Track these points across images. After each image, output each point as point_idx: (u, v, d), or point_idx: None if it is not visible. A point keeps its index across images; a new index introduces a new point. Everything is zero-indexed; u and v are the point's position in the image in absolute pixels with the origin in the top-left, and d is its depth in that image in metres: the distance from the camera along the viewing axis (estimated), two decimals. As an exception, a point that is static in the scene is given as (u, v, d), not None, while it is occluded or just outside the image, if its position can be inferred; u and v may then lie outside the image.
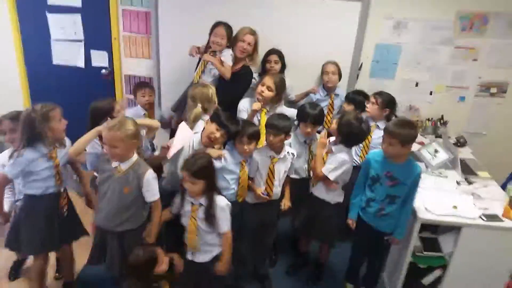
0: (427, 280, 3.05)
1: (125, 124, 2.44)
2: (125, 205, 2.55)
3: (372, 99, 3.35)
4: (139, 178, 2.52)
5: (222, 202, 2.58)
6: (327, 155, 2.94)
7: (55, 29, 4.19)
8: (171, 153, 2.76)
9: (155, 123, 3.00)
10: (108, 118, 2.83)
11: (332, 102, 3.78)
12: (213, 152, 2.74)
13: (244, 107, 3.39)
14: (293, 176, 3.14)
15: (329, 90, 3.79)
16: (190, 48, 3.62)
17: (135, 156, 2.55)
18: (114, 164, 2.53)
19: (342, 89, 3.88)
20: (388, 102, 3.34)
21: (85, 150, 2.70)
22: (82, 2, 4.07)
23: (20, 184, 2.66)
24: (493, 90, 4.04)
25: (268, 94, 3.25)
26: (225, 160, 2.82)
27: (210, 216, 2.54)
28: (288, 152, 2.96)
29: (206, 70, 3.55)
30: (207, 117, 2.97)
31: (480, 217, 2.82)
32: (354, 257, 3.17)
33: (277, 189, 2.97)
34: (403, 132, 2.54)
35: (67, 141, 2.76)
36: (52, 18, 4.15)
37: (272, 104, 3.33)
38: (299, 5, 3.83)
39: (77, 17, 4.12)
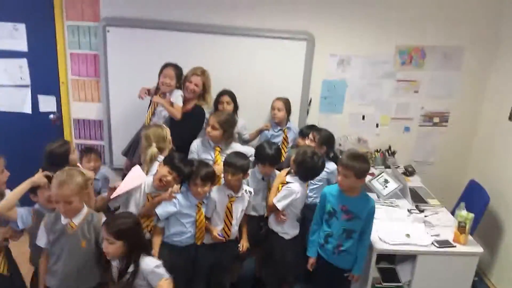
0: (388, 310, 3.07)
1: (74, 176, 2.30)
2: (85, 261, 2.37)
3: (311, 136, 3.43)
4: (96, 227, 2.37)
5: (150, 264, 2.30)
6: (281, 186, 2.99)
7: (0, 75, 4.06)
8: (115, 193, 2.70)
9: (90, 173, 2.73)
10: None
11: (286, 136, 3.84)
12: (163, 196, 2.72)
13: (195, 148, 3.38)
14: (252, 213, 3.13)
15: (280, 125, 3.84)
16: (140, 91, 3.61)
17: (85, 207, 2.40)
18: (64, 221, 2.34)
19: (294, 123, 3.97)
20: (325, 140, 3.41)
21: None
22: (28, 47, 3.98)
23: None
24: (436, 119, 4.25)
25: (214, 133, 3.26)
26: (179, 204, 2.76)
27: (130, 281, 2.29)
28: (246, 191, 2.96)
29: (157, 112, 3.56)
30: (162, 158, 2.94)
31: (433, 243, 2.90)
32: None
33: (234, 229, 2.95)
34: (357, 165, 2.60)
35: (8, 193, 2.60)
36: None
37: (223, 142, 3.34)
38: (248, 45, 3.94)
39: (23, 62, 4.03)
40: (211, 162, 3.19)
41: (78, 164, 3.10)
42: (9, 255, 2.68)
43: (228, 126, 3.30)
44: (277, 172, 3.19)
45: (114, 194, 2.71)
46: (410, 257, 2.96)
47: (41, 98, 4.11)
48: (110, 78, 4.01)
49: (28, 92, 4.10)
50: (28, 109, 4.13)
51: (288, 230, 3.03)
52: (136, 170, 2.88)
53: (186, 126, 3.51)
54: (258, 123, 3.98)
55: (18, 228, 2.56)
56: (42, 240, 2.39)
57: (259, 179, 3.16)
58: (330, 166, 3.32)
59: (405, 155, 4.26)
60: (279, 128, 3.85)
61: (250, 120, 3.92)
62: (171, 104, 3.49)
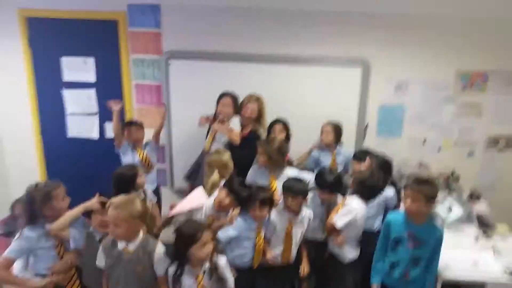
0: None
1: (132, 203, 2.35)
2: (142, 285, 2.41)
3: (367, 161, 3.38)
4: (150, 255, 2.40)
5: (223, 261, 2.48)
6: (342, 207, 2.97)
7: (71, 104, 4.37)
8: (175, 210, 2.76)
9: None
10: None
11: (334, 158, 3.79)
12: (225, 220, 2.77)
13: (251, 176, 3.41)
14: (310, 237, 3.10)
15: (328, 147, 3.80)
16: (200, 118, 3.74)
17: (141, 234, 2.43)
18: (120, 245, 2.39)
19: (346, 147, 3.89)
20: (382, 164, 3.31)
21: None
22: (97, 78, 4.28)
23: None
24: (502, 143, 4.11)
25: (261, 160, 3.30)
26: (239, 228, 2.78)
27: (219, 279, 2.42)
28: (305, 215, 2.94)
29: (217, 138, 3.67)
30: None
31: (504, 273, 2.76)
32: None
33: (293, 252, 2.94)
34: (425, 188, 2.51)
35: None
36: (68, 93, 4.35)
37: (276, 168, 3.33)
38: (303, 73, 4.03)
39: (92, 92, 4.32)
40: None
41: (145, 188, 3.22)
42: (80, 275, 2.77)
43: (276, 154, 3.28)
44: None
45: (174, 211, 2.78)
46: (476, 286, 2.81)
47: (108, 125, 4.36)
48: (172, 106, 4.20)
49: (96, 119, 4.36)
50: (95, 135, 4.39)
51: (347, 253, 2.97)
52: (199, 191, 2.95)
53: (243, 151, 3.56)
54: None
55: (69, 248, 2.68)
56: (101, 262, 2.45)
57: (317, 204, 3.13)
58: (388, 191, 3.24)
59: (469, 181, 4.07)
60: (327, 150, 3.81)
61: (304, 148, 3.91)
62: (231, 130, 3.62)
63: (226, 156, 3.22)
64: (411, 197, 2.55)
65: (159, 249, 2.43)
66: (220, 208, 2.82)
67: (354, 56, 3.97)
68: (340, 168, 3.80)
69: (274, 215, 2.89)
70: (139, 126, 3.74)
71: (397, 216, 2.72)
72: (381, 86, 4.05)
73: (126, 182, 2.93)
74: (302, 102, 4.06)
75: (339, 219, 2.89)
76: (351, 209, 2.89)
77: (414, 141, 4.17)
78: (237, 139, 3.60)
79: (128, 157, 3.67)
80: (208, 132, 3.76)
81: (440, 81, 4.01)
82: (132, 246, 2.38)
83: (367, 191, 2.95)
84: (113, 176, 2.98)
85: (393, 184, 3.37)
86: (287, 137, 3.77)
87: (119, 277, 2.40)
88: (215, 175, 3.08)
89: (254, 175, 3.39)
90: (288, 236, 2.89)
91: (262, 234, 2.85)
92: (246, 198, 2.79)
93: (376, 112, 4.12)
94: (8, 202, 3.35)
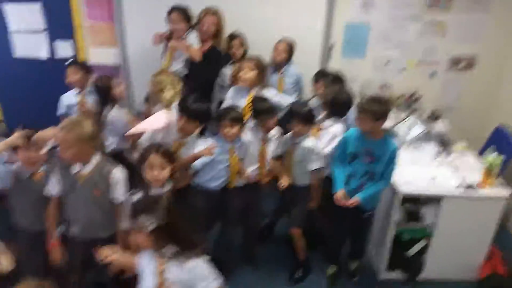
0: (412, 251, 3.08)
1: (79, 125, 2.20)
2: (103, 209, 2.33)
3: (320, 81, 3.38)
4: (106, 178, 2.30)
5: None
6: (318, 132, 2.96)
7: (14, 20, 3.99)
8: (133, 129, 2.70)
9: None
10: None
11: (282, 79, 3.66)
12: (203, 151, 2.66)
13: (230, 95, 3.30)
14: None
15: (277, 67, 3.66)
16: (154, 38, 3.54)
17: (97, 157, 2.30)
18: (73, 170, 2.27)
19: (296, 66, 3.72)
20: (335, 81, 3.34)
21: None
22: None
23: None
24: (463, 64, 4.10)
25: (250, 74, 3.15)
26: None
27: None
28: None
29: (176, 56, 3.50)
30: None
31: (459, 186, 2.86)
32: (336, 237, 3.13)
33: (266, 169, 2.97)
34: (374, 108, 2.55)
35: None
36: (11, 9, 3.95)
37: (258, 86, 3.24)
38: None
39: (37, 7, 3.93)
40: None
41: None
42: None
43: (263, 67, 3.22)
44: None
45: (132, 131, 2.68)
46: (434, 200, 2.94)
47: (58, 43, 4.05)
48: (126, 21, 3.91)
49: (43, 37, 4.03)
50: (45, 55, 4.08)
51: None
52: (160, 113, 2.83)
53: (205, 67, 3.46)
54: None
55: None
56: (54, 189, 2.33)
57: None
58: None
59: (431, 101, 4.12)
60: (274, 70, 3.66)
61: None
62: (188, 47, 3.44)
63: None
64: (360, 115, 2.61)
65: (117, 171, 2.33)
66: (182, 132, 2.69)
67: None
68: (288, 88, 3.68)
69: (245, 136, 2.85)
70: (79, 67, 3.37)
71: (353, 132, 2.77)
72: (347, 2, 3.88)
73: (102, 92, 2.96)
74: (264, 19, 3.85)
75: (327, 146, 2.90)
76: (335, 132, 2.91)
77: (378, 61, 4.11)
78: (198, 56, 3.44)
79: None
80: (163, 51, 3.57)
81: (407, -3, 3.89)
82: (86, 170, 2.27)
83: (341, 108, 2.96)
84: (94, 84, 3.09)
85: None
86: (244, 53, 3.66)
87: (76, 205, 2.31)
88: (168, 93, 2.93)
89: (235, 96, 3.28)
90: (263, 155, 2.90)
91: (236, 155, 2.82)
92: (207, 115, 2.72)
93: (342, 31, 3.99)
94: None
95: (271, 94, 3.23)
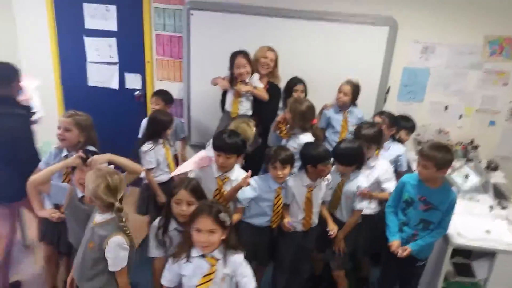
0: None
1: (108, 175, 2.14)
2: (90, 261, 2.21)
3: (377, 118, 3.42)
4: (101, 241, 2.15)
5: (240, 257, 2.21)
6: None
7: (91, 52, 4.36)
8: (176, 171, 2.76)
9: (138, 168, 2.61)
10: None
11: (346, 118, 3.72)
12: (240, 182, 2.70)
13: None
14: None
15: (342, 108, 3.72)
16: (218, 83, 3.64)
17: (109, 215, 2.17)
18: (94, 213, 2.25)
19: (361, 108, 3.80)
20: (395, 120, 3.43)
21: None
22: (118, 26, 4.24)
23: None
24: (525, 114, 4.01)
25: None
26: (259, 189, 2.80)
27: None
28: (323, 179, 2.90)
29: (242, 100, 3.60)
30: None
31: (515, 242, 2.77)
32: (385, 283, 3.09)
33: (314, 217, 2.93)
34: (438, 156, 2.51)
35: None
36: (89, 41, 4.33)
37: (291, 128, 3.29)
38: (328, 30, 3.91)
39: (113, 41, 4.29)
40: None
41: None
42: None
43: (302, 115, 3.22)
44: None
45: (176, 172, 2.77)
46: (488, 255, 2.86)
47: (128, 75, 4.37)
48: (192, 59, 4.16)
49: (116, 69, 4.36)
50: (115, 85, 4.41)
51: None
52: (202, 152, 2.93)
53: (268, 104, 3.57)
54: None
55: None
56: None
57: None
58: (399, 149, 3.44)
59: (488, 150, 4.03)
60: (338, 110, 3.74)
61: (319, 106, 3.79)
62: (255, 89, 3.55)
63: (251, 125, 3.16)
64: (422, 162, 2.58)
65: (114, 240, 2.14)
66: (223, 168, 2.76)
67: (382, 15, 3.82)
68: (351, 129, 3.68)
69: (291, 181, 2.85)
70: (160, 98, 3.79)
71: (411, 178, 2.74)
72: (407, 48, 3.92)
73: (160, 126, 3.19)
74: (324, 60, 3.97)
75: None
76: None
77: (436, 107, 4.08)
78: (266, 96, 3.56)
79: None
80: (224, 94, 3.71)
81: (468, 46, 3.86)
82: (98, 219, 2.21)
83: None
84: (150, 118, 3.24)
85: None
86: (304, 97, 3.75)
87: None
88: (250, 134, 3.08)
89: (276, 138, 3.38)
90: (309, 202, 2.86)
91: (282, 196, 2.85)
92: (243, 147, 2.79)
93: (400, 75, 4.02)
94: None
95: (308, 139, 3.21)
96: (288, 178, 2.84)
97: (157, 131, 3.23)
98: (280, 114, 3.45)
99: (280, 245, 2.93)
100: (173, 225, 2.39)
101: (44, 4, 4.26)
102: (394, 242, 2.73)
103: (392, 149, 3.41)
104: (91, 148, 2.74)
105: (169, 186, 2.85)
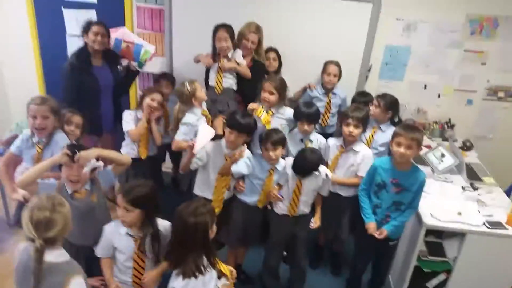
0: (432, 283, 3.11)
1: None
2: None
3: (375, 102, 3.36)
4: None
5: (166, 225, 2.37)
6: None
7: (71, 24, 4.25)
8: (197, 148, 2.73)
9: (126, 159, 2.61)
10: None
11: (330, 101, 3.78)
12: (235, 155, 2.81)
13: None
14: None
15: (327, 89, 3.77)
16: (201, 59, 3.63)
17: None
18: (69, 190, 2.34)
19: (341, 89, 3.82)
20: (390, 105, 3.32)
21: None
22: (98, -1, 4.12)
23: None
24: (501, 94, 4.10)
25: (271, 98, 3.23)
26: (253, 167, 2.88)
27: (156, 246, 2.32)
28: (319, 172, 2.88)
29: (226, 75, 3.58)
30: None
31: (484, 224, 2.88)
32: (359, 263, 3.22)
33: (301, 206, 2.91)
34: (419, 135, 2.62)
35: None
36: (68, 13, 4.21)
37: (276, 106, 3.31)
38: (311, 4, 3.87)
39: (92, 13, 4.17)
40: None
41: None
42: None
43: (283, 90, 3.29)
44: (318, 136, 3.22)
45: (197, 148, 2.73)
46: (458, 234, 2.97)
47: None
48: (174, 33, 4.10)
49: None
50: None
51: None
52: (205, 126, 2.95)
53: (250, 82, 3.57)
54: (304, 82, 3.91)
55: None
56: None
57: (297, 141, 3.17)
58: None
59: (465, 129, 4.15)
60: (324, 91, 3.78)
61: (298, 78, 3.86)
62: (238, 65, 3.54)
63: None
64: (405, 143, 2.62)
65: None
66: (232, 146, 2.83)
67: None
68: (334, 110, 3.80)
69: (288, 167, 2.86)
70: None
71: (383, 162, 2.83)
72: (389, 25, 3.94)
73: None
74: (306, 36, 3.95)
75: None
76: None
77: (415, 85, 4.15)
78: (249, 73, 3.57)
79: None
80: (208, 69, 3.67)
81: (450, 24, 3.90)
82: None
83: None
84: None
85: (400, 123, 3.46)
86: (279, 66, 3.83)
87: None
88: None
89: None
90: (297, 190, 2.87)
91: (274, 178, 2.90)
92: (254, 128, 2.87)
93: (382, 53, 4.05)
94: (8, 123, 3.40)
95: (286, 111, 3.30)
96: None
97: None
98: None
99: (271, 226, 3.02)
100: (123, 229, 2.34)
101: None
102: (370, 225, 2.85)
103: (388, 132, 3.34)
104: (75, 142, 2.72)
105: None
